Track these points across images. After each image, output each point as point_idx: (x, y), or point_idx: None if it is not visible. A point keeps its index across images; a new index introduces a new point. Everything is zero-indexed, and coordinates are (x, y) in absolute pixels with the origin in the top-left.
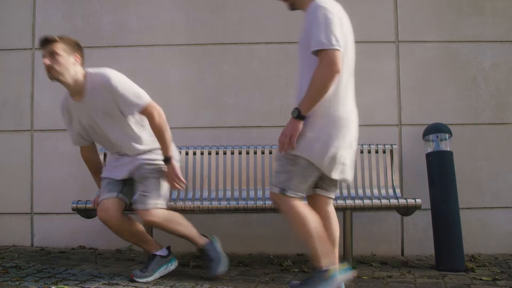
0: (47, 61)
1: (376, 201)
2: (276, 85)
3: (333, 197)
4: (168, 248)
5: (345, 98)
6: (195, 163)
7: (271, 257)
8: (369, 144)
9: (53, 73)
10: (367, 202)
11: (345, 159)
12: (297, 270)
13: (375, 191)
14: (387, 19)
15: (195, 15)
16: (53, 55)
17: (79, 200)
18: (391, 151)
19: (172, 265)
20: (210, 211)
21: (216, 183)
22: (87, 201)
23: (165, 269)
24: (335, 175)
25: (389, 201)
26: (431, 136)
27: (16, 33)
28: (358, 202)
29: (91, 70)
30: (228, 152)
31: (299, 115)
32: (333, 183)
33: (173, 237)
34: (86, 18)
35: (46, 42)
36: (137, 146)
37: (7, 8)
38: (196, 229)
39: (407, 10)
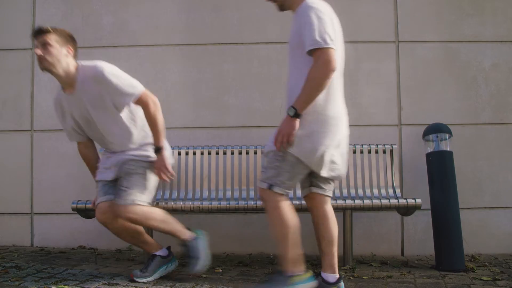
0: (39, 51)
1: (376, 201)
2: (276, 85)
3: (330, 195)
4: (168, 248)
5: (335, 98)
6: (195, 163)
7: (271, 257)
8: (369, 144)
9: (44, 64)
10: (367, 202)
11: (334, 157)
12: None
13: (375, 191)
14: (387, 19)
15: (195, 15)
16: (45, 46)
17: (79, 200)
18: (391, 151)
19: (172, 266)
20: (210, 211)
21: (216, 183)
22: (87, 201)
23: (165, 269)
24: (324, 173)
25: (389, 201)
26: (431, 136)
27: (16, 33)
28: (358, 202)
29: (83, 62)
30: (228, 152)
31: (296, 114)
32: (327, 180)
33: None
34: (86, 18)
35: (39, 33)
36: (126, 141)
37: (7, 8)
38: (182, 224)
39: (407, 10)
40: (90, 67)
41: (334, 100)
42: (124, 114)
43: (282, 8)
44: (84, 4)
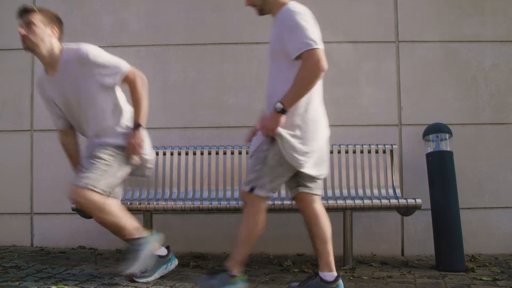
0: (22, 30)
1: (376, 201)
2: None
3: (318, 193)
4: (168, 247)
5: (315, 98)
6: (195, 163)
7: (271, 257)
8: (369, 144)
9: (27, 43)
10: (367, 202)
11: (315, 153)
12: (297, 270)
13: (375, 191)
14: (387, 19)
15: (195, 15)
16: (29, 25)
17: None
18: (391, 151)
19: (172, 265)
20: (210, 211)
21: (216, 183)
22: None
23: (165, 268)
24: (308, 170)
25: (389, 201)
26: (431, 136)
27: (16, 33)
28: (358, 202)
29: (67, 44)
30: (228, 152)
31: (283, 110)
32: (313, 179)
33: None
34: (86, 18)
35: (24, 12)
36: (100, 127)
37: (7, 8)
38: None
39: (407, 10)
40: (74, 49)
41: (315, 99)
42: (104, 99)
43: (261, 12)
44: (84, 4)
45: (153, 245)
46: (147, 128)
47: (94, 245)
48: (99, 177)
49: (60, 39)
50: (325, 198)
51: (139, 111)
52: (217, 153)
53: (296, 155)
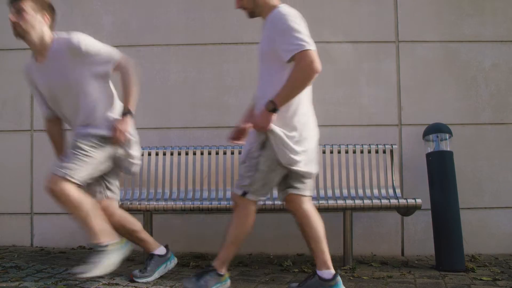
0: (13, 17)
1: (376, 201)
2: None
3: (307, 194)
4: (166, 246)
5: (304, 99)
6: (195, 163)
7: (271, 257)
8: (369, 144)
9: (18, 30)
10: (367, 202)
11: (305, 153)
12: (297, 270)
13: (375, 191)
14: (387, 19)
15: (195, 15)
16: (20, 12)
17: None
18: (391, 151)
19: (171, 263)
20: (210, 211)
21: (216, 183)
22: None
23: (164, 267)
24: (298, 168)
25: (389, 201)
26: (431, 136)
27: None
28: (358, 202)
29: (59, 33)
30: (228, 152)
31: (274, 109)
32: (302, 180)
33: (173, 237)
34: (86, 18)
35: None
36: (85, 117)
37: (6, 8)
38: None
39: (407, 10)
40: (65, 38)
41: (304, 100)
42: (94, 89)
43: (252, 15)
44: (84, 4)
45: (120, 255)
46: (147, 128)
47: None
48: (78, 167)
49: (52, 27)
50: (325, 198)
51: (129, 97)
52: (217, 153)
53: (287, 152)
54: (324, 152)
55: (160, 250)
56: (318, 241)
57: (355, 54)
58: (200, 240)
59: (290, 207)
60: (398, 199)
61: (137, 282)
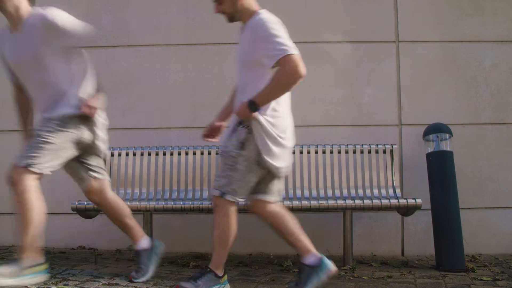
0: None
1: (376, 201)
2: None
3: (273, 200)
4: (149, 237)
5: (283, 102)
6: (195, 163)
7: (271, 257)
8: (369, 144)
9: None
10: (367, 202)
11: (283, 150)
12: (297, 270)
13: (375, 191)
14: (387, 19)
15: (195, 15)
16: None
17: (79, 200)
18: (391, 151)
19: (159, 249)
20: (210, 211)
21: None
22: (87, 201)
23: (155, 258)
24: (273, 161)
25: (389, 201)
26: (431, 136)
27: None
28: (358, 202)
29: (37, 8)
30: None
31: (256, 108)
32: (271, 182)
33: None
34: (86, 18)
35: None
36: (54, 95)
37: None
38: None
39: (407, 10)
40: (41, 13)
41: (282, 105)
42: (65, 66)
43: (231, 20)
44: (84, 4)
45: (33, 280)
46: (147, 128)
47: (94, 245)
48: (39, 156)
49: (32, 2)
50: (325, 198)
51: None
52: (217, 153)
53: (270, 144)
54: (324, 152)
55: (145, 242)
56: (295, 233)
57: (355, 54)
58: (200, 240)
59: (256, 211)
60: (398, 199)
61: (138, 282)
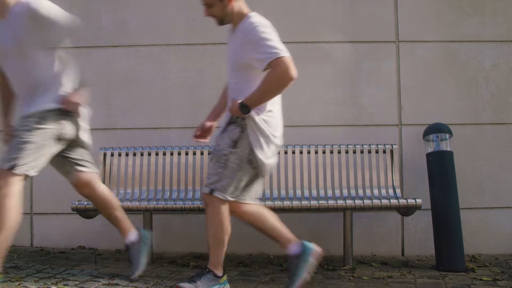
0: None
1: (376, 201)
2: None
3: (249, 202)
4: (136, 229)
5: (276, 101)
6: (195, 163)
7: (271, 257)
8: (369, 144)
9: None
10: (367, 202)
11: (275, 147)
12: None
13: (375, 191)
14: (387, 19)
15: (195, 15)
16: None
17: (79, 200)
18: (391, 151)
19: (148, 238)
20: None
21: None
22: (87, 201)
23: (144, 251)
24: (261, 156)
25: (389, 201)
26: (431, 136)
27: None
28: (358, 202)
29: None
30: None
31: (248, 111)
32: (252, 185)
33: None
34: (86, 18)
35: None
36: (34, 89)
37: None
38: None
39: (407, 10)
40: (26, 2)
41: (276, 101)
42: (47, 59)
43: (221, 23)
44: (84, 4)
45: None
46: (147, 128)
47: (94, 245)
48: (21, 157)
49: None
50: (325, 198)
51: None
52: None
53: (262, 140)
54: (324, 152)
55: (134, 235)
56: (275, 227)
57: (355, 54)
58: (200, 240)
59: (236, 215)
60: (398, 199)
61: (135, 278)
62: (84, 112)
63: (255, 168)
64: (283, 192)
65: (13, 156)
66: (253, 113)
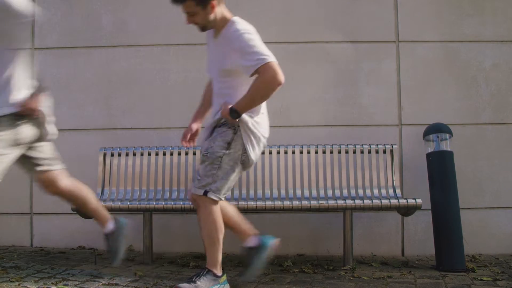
0: None
1: (376, 201)
2: None
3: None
4: (113, 219)
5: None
6: (195, 163)
7: (271, 257)
8: (369, 144)
9: None
10: (367, 202)
11: (261, 145)
12: (297, 270)
13: (375, 191)
14: (387, 19)
15: None
16: None
17: None
18: (391, 151)
19: (125, 227)
20: None
21: None
22: None
23: (123, 239)
24: (251, 154)
25: (389, 201)
26: (431, 136)
27: None
28: (358, 202)
29: None
30: None
31: (238, 116)
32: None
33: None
34: (86, 18)
35: None
36: None
37: None
38: None
39: (407, 10)
40: None
41: (263, 105)
42: (4, 59)
43: (204, 29)
44: (84, 4)
45: None
46: (147, 128)
47: (94, 245)
48: None
49: None
50: (325, 198)
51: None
52: None
53: (254, 141)
54: (324, 152)
55: (111, 225)
56: (235, 221)
57: (355, 54)
58: (200, 240)
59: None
60: (398, 199)
61: (113, 265)
62: (46, 106)
63: (245, 168)
64: (283, 192)
65: None
66: (245, 115)
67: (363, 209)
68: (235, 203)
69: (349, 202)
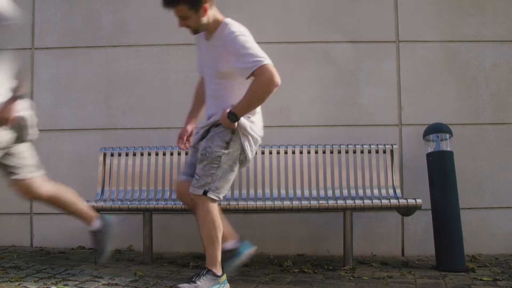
0: None
1: (376, 201)
2: None
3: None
4: (99, 217)
5: None
6: None
7: (271, 257)
8: (369, 144)
9: None
10: (367, 202)
11: (257, 144)
12: (297, 270)
13: (375, 191)
14: (387, 19)
15: None
16: None
17: None
18: (391, 151)
19: (110, 225)
20: None
21: None
22: (87, 201)
23: (109, 236)
24: (248, 153)
25: (389, 201)
26: (431, 136)
27: (16, 34)
28: (358, 202)
29: None
30: None
31: (236, 120)
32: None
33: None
34: (86, 18)
35: None
36: None
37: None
38: None
39: (407, 10)
40: None
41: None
42: None
43: (196, 32)
44: (84, 4)
45: None
46: (147, 128)
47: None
48: None
49: None
50: (325, 198)
51: (24, 81)
52: None
53: (252, 141)
54: (324, 152)
55: (96, 224)
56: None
57: (355, 54)
58: (200, 240)
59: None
60: (398, 199)
61: (101, 260)
62: (25, 109)
63: (242, 166)
64: (283, 192)
65: None
66: (243, 118)
67: (363, 209)
68: (235, 203)
69: (349, 202)
